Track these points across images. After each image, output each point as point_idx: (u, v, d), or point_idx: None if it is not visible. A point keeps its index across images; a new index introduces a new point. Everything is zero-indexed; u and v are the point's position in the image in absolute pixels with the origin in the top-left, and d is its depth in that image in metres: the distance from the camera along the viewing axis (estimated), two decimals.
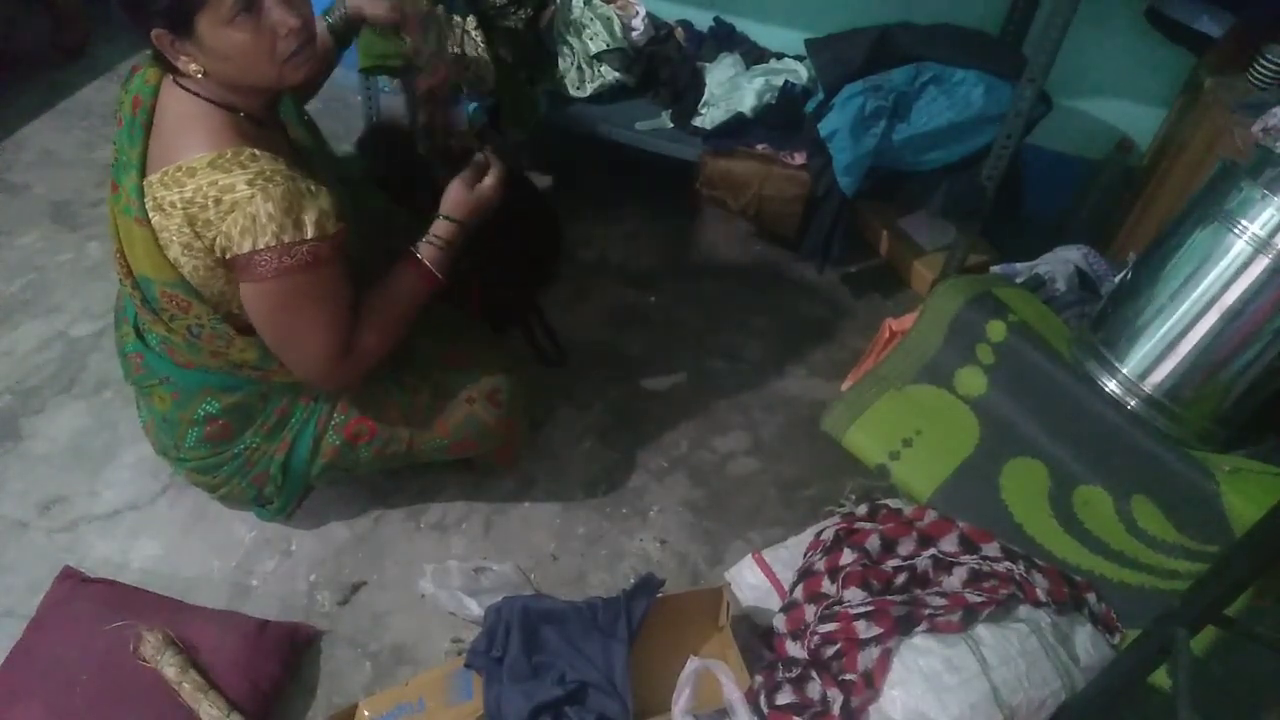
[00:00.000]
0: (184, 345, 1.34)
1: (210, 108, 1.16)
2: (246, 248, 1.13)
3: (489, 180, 1.38)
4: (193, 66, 1.12)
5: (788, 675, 1.32)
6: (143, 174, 1.19)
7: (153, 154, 1.19)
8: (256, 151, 1.15)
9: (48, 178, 2.30)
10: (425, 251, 1.34)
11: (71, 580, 1.43)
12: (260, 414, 1.43)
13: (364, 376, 1.36)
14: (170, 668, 1.29)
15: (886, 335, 1.81)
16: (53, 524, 1.58)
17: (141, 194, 1.18)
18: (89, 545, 1.56)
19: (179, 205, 1.14)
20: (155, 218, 1.18)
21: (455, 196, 1.35)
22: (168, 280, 1.23)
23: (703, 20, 2.33)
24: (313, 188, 1.17)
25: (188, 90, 1.17)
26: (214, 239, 1.15)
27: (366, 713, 1.35)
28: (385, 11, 1.43)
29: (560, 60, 2.13)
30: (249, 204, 1.11)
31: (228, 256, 1.15)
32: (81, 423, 1.75)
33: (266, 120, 1.25)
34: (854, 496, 1.62)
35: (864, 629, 1.26)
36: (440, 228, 1.35)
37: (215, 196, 1.12)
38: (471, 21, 1.98)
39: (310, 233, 1.15)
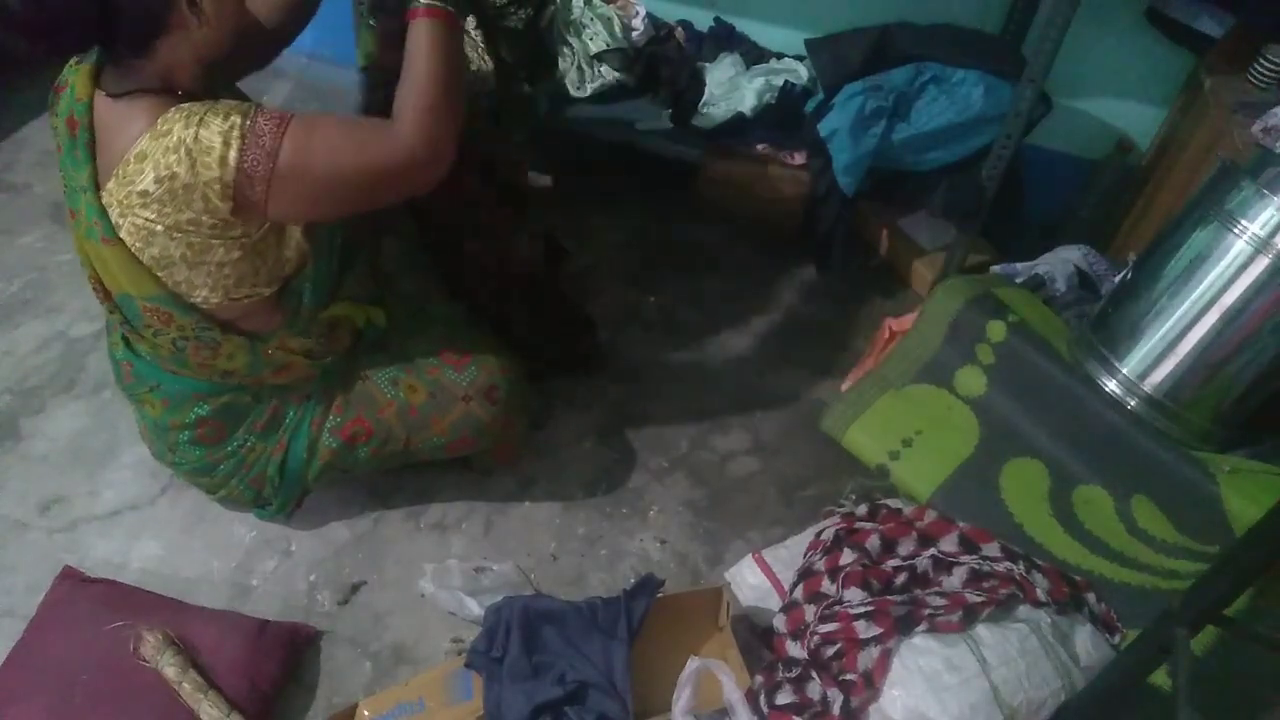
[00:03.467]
0: (171, 359, 1.33)
1: (143, 97, 1.14)
2: (232, 168, 1.10)
3: None
4: (200, 18, 1.12)
5: (788, 675, 1.32)
6: (98, 191, 1.17)
7: (102, 167, 1.17)
8: (180, 105, 1.13)
9: (48, 178, 2.29)
10: None
11: (71, 580, 1.43)
12: (251, 412, 1.43)
13: (446, 143, 1.21)
14: (170, 668, 1.29)
15: (886, 335, 1.81)
16: (53, 524, 1.58)
17: (103, 212, 1.16)
18: (89, 545, 1.55)
19: (150, 191, 1.12)
20: (125, 223, 1.15)
21: None
22: (148, 294, 1.21)
23: (703, 20, 2.33)
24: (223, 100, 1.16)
25: (122, 94, 1.14)
26: (204, 197, 1.12)
27: (366, 713, 1.35)
28: None
29: (560, 60, 2.13)
30: (197, 142, 1.09)
31: (231, 195, 1.12)
32: (81, 423, 1.74)
33: (202, 95, 1.20)
34: (854, 496, 1.62)
35: (864, 629, 1.26)
36: None
37: (174, 159, 1.10)
38: (471, 22, 1.98)
39: (253, 110, 1.13)
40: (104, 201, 1.16)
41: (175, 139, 1.10)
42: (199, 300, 1.24)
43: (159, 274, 1.20)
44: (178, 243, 1.17)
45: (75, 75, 1.18)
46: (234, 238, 1.18)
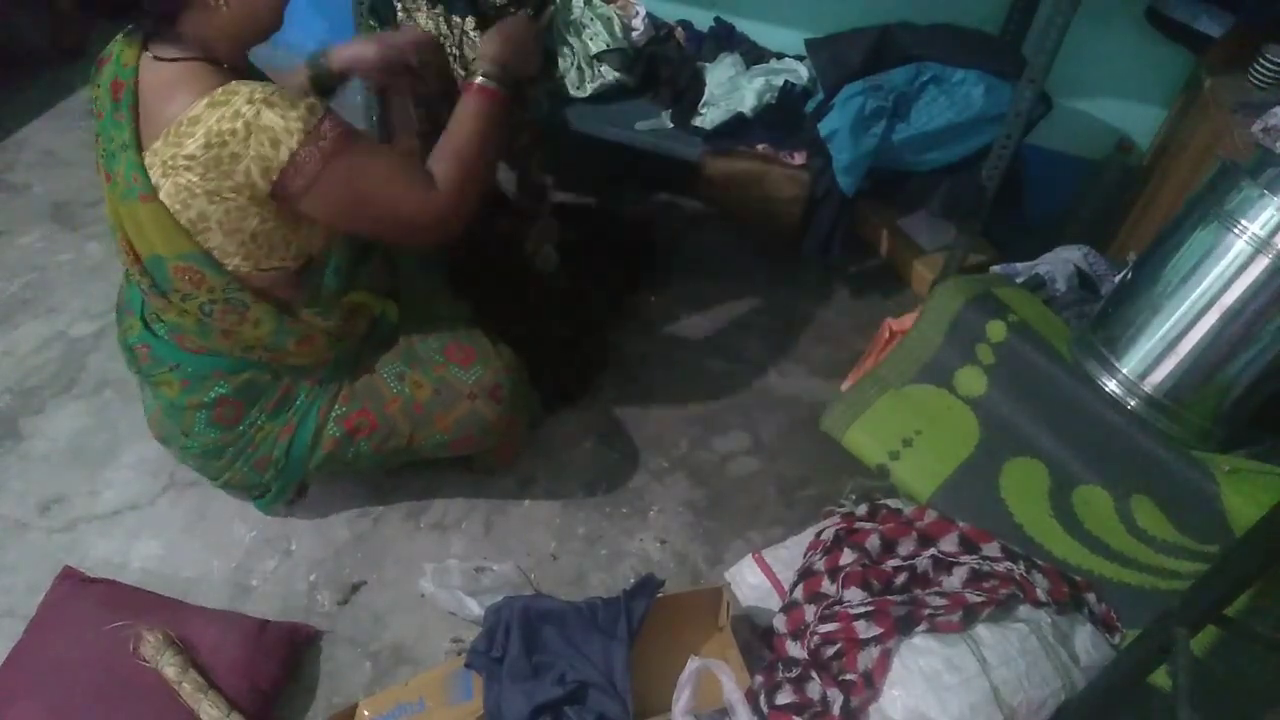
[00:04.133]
0: (195, 328, 1.35)
1: (193, 64, 1.19)
2: (285, 155, 1.16)
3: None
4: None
5: (788, 675, 1.32)
6: (139, 150, 1.20)
7: (146, 129, 1.20)
8: (241, 81, 1.18)
9: (48, 178, 2.30)
10: (480, 70, 1.35)
11: (71, 580, 1.43)
12: (267, 390, 1.44)
13: (470, 210, 1.33)
14: (170, 668, 1.29)
15: (886, 335, 1.81)
16: (53, 524, 1.58)
17: (143, 169, 1.19)
18: (89, 545, 1.56)
19: (197, 155, 1.15)
20: (167, 183, 1.19)
21: (488, 36, 1.40)
22: (182, 251, 1.24)
23: (703, 20, 2.33)
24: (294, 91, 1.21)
25: (168, 59, 1.19)
26: (247, 170, 1.16)
27: (366, 713, 1.35)
28: (374, 63, 1.52)
29: (560, 60, 2.13)
30: (258, 119, 1.14)
31: (273, 178, 1.17)
32: (81, 423, 1.75)
33: (244, 69, 1.28)
34: (854, 496, 1.62)
35: (864, 629, 1.26)
36: (485, 54, 1.37)
37: (229, 129, 1.14)
38: (471, 22, 1.98)
39: (320, 110, 1.19)
40: (146, 161, 1.20)
41: (234, 110, 1.15)
42: (231, 267, 1.28)
43: (196, 236, 1.23)
44: (217, 207, 1.20)
45: (120, 46, 1.23)
46: (271, 212, 1.23)
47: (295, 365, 1.43)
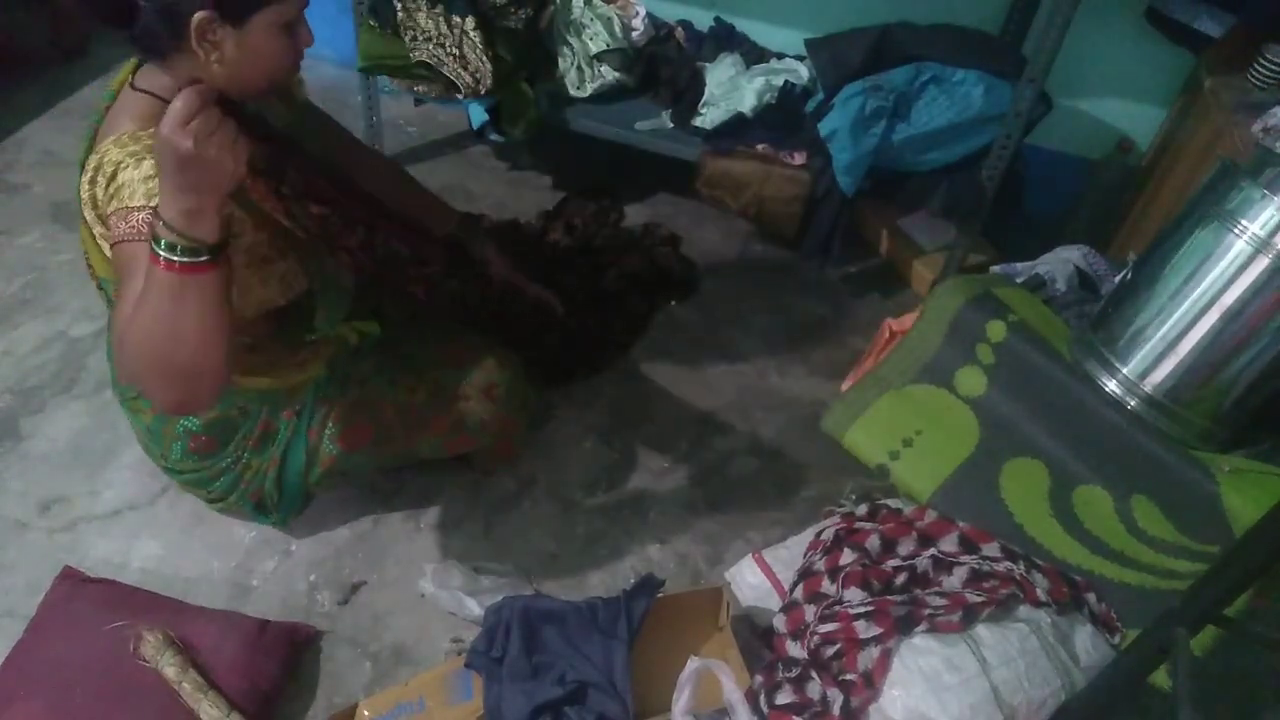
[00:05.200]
0: None
1: (152, 101, 1.10)
2: (111, 208, 1.06)
3: None
4: (214, 55, 1.07)
5: (788, 675, 1.32)
6: (81, 174, 1.15)
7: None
8: (153, 130, 1.06)
9: (48, 178, 2.29)
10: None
11: (71, 580, 1.43)
12: (242, 427, 1.42)
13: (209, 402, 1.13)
14: (170, 668, 1.29)
15: (886, 335, 1.81)
16: (53, 524, 1.58)
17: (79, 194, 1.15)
18: (89, 545, 1.55)
19: (87, 189, 1.11)
20: (86, 212, 1.14)
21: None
22: (116, 280, 1.18)
23: (703, 20, 2.33)
24: None
25: (142, 90, 1.11)
26: (95, 209, 1.10)
27: (366, 713, 1.35)
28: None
29: (560, 60, 2.13)
30: (122, 173, 1.06)
31: (102, 226, 1.09)
32: (81, 423, 1.74)
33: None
34: (854, 496, 1.62)
35: (864, 629, 1.26)
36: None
37: (105, 171, 1.08)
38: (471, 22, 1.99)
39: (160, 199, 0.99)
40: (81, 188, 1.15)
41: (116, 156, 1.07)
42: None
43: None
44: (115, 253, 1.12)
45: (124, 68, 1.18)
46: None
47: (262, 393, 1.38)
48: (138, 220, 1.03)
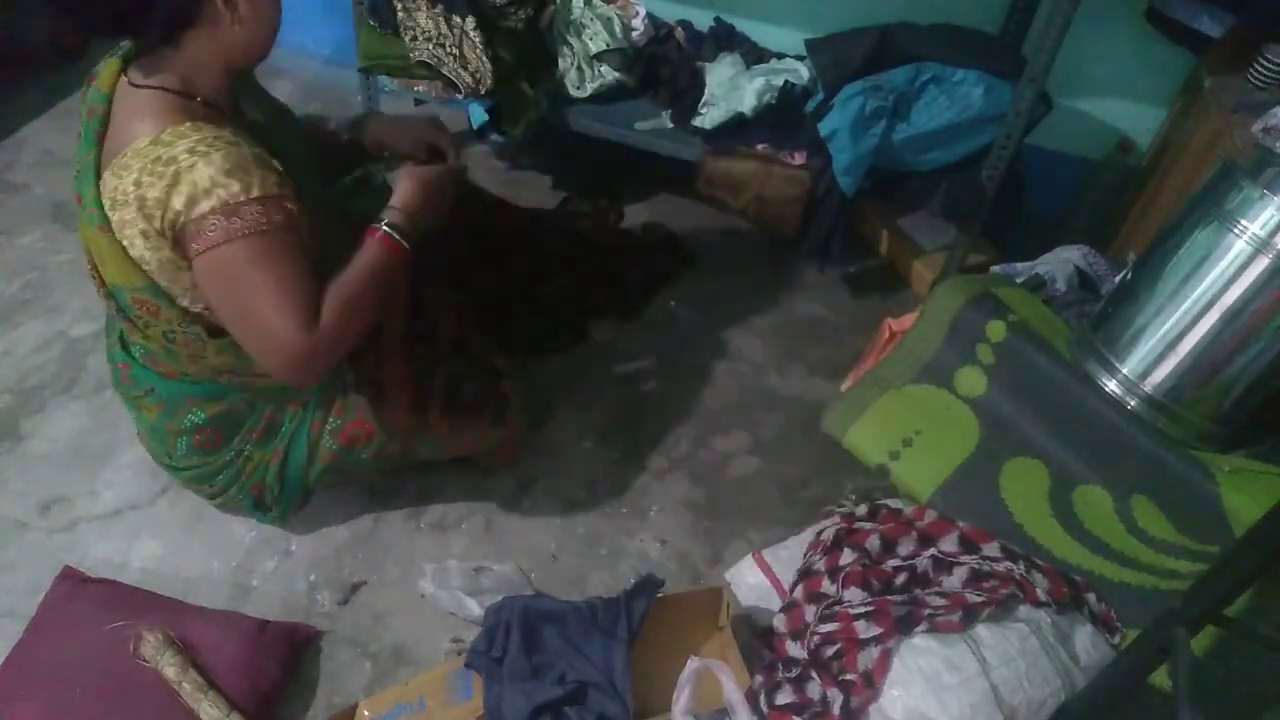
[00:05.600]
0: (163, 353, 1.32)
1: (163, 95, 1.13)
2: (194, 214, 1.09)
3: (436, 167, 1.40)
4: (235, 16, 1.12)
5: (788, 675, 1.32)
6: (99, 178, 1.16)
7: (106, 155, 1.16)
8: (198, 123, 1.12)
9: (48, 178, 2.29)
10: (386, 218, 1.27)
11: (71, 580, 1.43)
12: (248, 420, 1.42)
13: (332, 367, 1.26)
14: (170, 668, 1.29)
15: (886, 335, 1.81)
16: (53, 524, 1.58)
17: (99, 201, 1.15)
18: (89, 545, 1.55)
19: (130, 191, 1.11)
20: (114, 216, 1.15)
21: (405, 176, 1.34)
22: (136, 285, 1.20)
23: (703, 20, 2.33)
24: (259, 153, 1.14)
25: (144, 86, 1.14)
26: (163, 216, 1.10)
27: (366, 713, 1.35)
28: (405, 149, 1.49)
29: (560, 60, 2.13)
30: (190, 172, 1.08)
31: (179, 231, 1.11)
32: (81, 423, 1.74)
33: (224, 105, 1.21)
34: (854, 496, 1.62)
35: (864, 629, 1.26)
36: (398, 198, 1.30)
37: (160, 171, 1.09)
38: (471, 22, 1.99)
39: (256, 191, 1.11)
40: (101, 189, 1.16)
41: (172, 154, 1.09)
42: (185, 304, 1.24)
43: (146, 271, 1.19)
44: (152, 253, 1.16)
45: (105, 67, 1.19)
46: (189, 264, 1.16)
47: (271, 389, 1.39)
48: (255, 212, 1.11)
